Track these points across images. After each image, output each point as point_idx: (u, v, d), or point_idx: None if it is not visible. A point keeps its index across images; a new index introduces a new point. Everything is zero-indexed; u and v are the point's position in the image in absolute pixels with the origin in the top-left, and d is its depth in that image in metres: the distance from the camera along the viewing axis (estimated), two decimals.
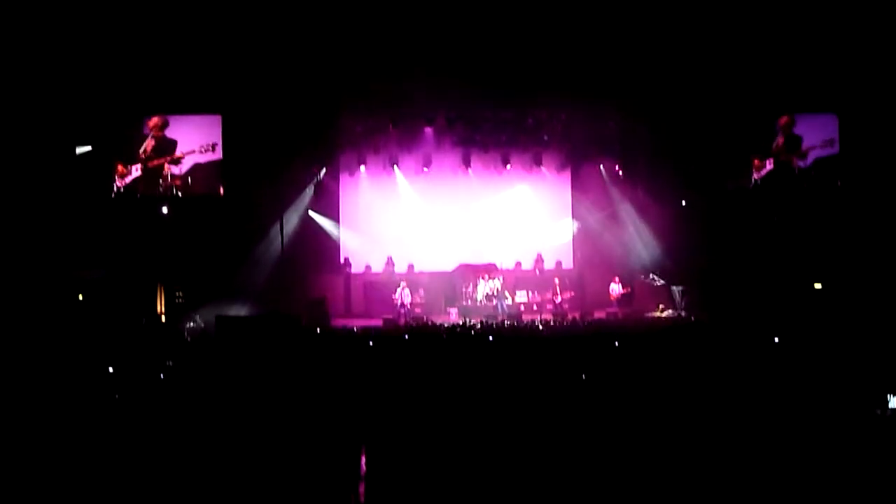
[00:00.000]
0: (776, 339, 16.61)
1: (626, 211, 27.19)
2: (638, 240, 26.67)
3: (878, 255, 22.12)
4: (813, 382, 11.95)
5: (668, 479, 7.24)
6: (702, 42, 22.11)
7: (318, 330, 21.10)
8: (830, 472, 7.33)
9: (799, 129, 22.17)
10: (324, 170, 26.12)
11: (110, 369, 12.51)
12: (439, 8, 21.39)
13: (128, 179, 15.51)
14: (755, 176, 18.45)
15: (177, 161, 16.18)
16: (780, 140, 18.82)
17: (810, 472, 7.33)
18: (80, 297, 18.93)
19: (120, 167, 15.30)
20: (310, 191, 25.81)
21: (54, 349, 14.10)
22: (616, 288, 25.97)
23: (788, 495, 6.73)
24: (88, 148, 18.06)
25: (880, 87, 21.86)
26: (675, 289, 23.43)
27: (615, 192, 27.31)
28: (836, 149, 20.43)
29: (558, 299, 26.03)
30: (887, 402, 10.82)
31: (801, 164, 18.64)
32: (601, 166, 27.54)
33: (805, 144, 21.65)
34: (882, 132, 22.06)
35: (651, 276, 25.37)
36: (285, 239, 24.44)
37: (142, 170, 15.63)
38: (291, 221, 25.09)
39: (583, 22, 21.69)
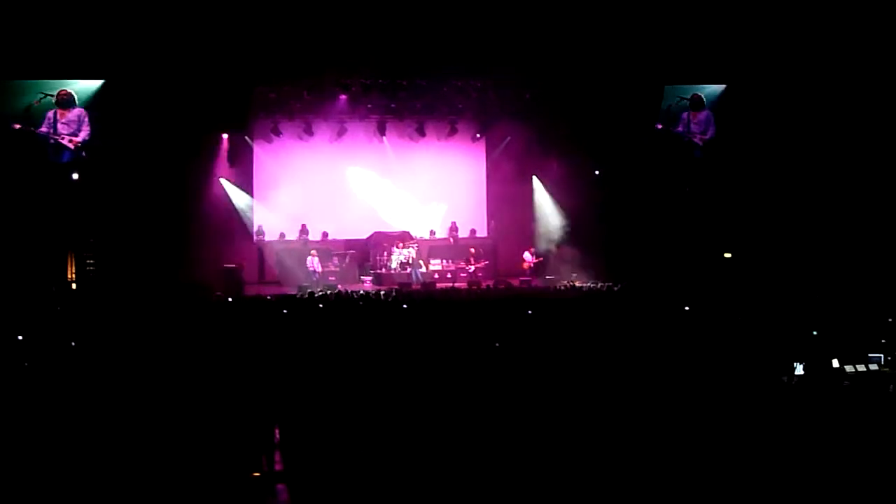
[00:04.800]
0: (686, 308, 16.98)
1: (539, 180, 27.51)
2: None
3: (787, 226, 22.68)
4: (722, 350, 12.27)
5: (577, 445, 7.38)
6: (617, 12, 22.38)
7: (231, 299, 20.96)
8: (737, 437, 7.55)
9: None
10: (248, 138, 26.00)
11: (20, 337, 12.31)
12: None
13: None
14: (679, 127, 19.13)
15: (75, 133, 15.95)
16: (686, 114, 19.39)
17: (717, 438, 7.54)
18: None
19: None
20: (223, 158, 25.53)
21: None
22: (529, 257, 26.28)
23: (695, 459, 6.92)
24: None
25: (763, 60, 22.53)
26: None
27: (530, 162, 27.47)
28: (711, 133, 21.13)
29: (471, 268, 26.24)
30: (793, 370, 11.19)
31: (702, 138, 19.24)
32: (509, 137, 27.76)
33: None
34: (768, 105, 22.70)
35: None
36: (198, 206, 24.13)
37: (49, 134, 15.27)
38: (204, 188, 24.78)
39: None
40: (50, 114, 15.19)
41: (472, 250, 26.81)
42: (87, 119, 15.34)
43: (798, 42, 22.22)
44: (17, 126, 15.14)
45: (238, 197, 25.99)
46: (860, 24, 21.72)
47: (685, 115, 18.74)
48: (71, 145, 15.66)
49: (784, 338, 13.03)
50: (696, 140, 19.06)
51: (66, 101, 15.23)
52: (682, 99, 21.81)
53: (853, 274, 20.31)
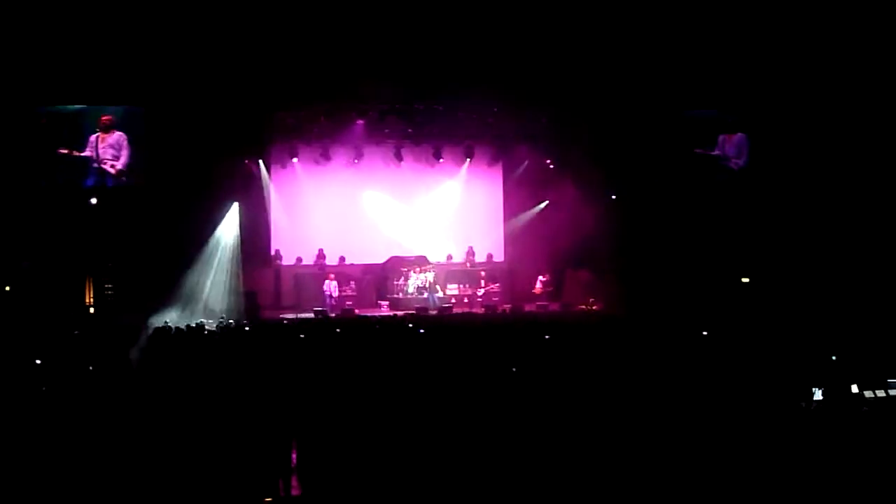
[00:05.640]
0: (704, 333, 16.90)
1: (551, 205, 27.43)
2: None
3: (806, 251, 22.58)
4: (740, 375, 12.19)
5: (595, 471, 7.35)
6: (634, 39, 22.40)
7: (247, 326, 20.97)
8: (756, 463, 7.50)
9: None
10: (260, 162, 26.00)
11: (38, 361, 12.36)
12: (371, 2, 21.41)
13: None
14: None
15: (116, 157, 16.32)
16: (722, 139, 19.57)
17: (736, 464, 7.48)
18: (8, 287, 18.66)
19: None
20: (240, 183, 25.52)
21: None
22: (541, 280, 26.27)
23: (714, 486, 6.88)
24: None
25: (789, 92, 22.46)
26: None
27: (547, 186, 27.45)
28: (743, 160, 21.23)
29: (481, 292, 26.23)
30: (812, 395, 11.10)
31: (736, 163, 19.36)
32: (526, 162, 27.81)
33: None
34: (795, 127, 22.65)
35: None
36: (216, 231, 24.18)
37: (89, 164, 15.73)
38: (222, 213, 24.78)
39: (511, 16, 21.82)
40: (92, 138, 15.60)
41: (483, 273, 26.82)
42: (125, 143, 15.68)
43: (824, 69, 22.15)
44: (64, 151, 15.54)
45: (255, 221, 25.71)
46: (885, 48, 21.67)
47: (721, 137, 18.84)
48: (112, 170, 16.06)
49: (803, 363, 12.95)
50: (730, 164, 19.14)
51: (107, 126, 15.63)
52: (716, 121, 21.84)
53: (872, 299, 20.17)
